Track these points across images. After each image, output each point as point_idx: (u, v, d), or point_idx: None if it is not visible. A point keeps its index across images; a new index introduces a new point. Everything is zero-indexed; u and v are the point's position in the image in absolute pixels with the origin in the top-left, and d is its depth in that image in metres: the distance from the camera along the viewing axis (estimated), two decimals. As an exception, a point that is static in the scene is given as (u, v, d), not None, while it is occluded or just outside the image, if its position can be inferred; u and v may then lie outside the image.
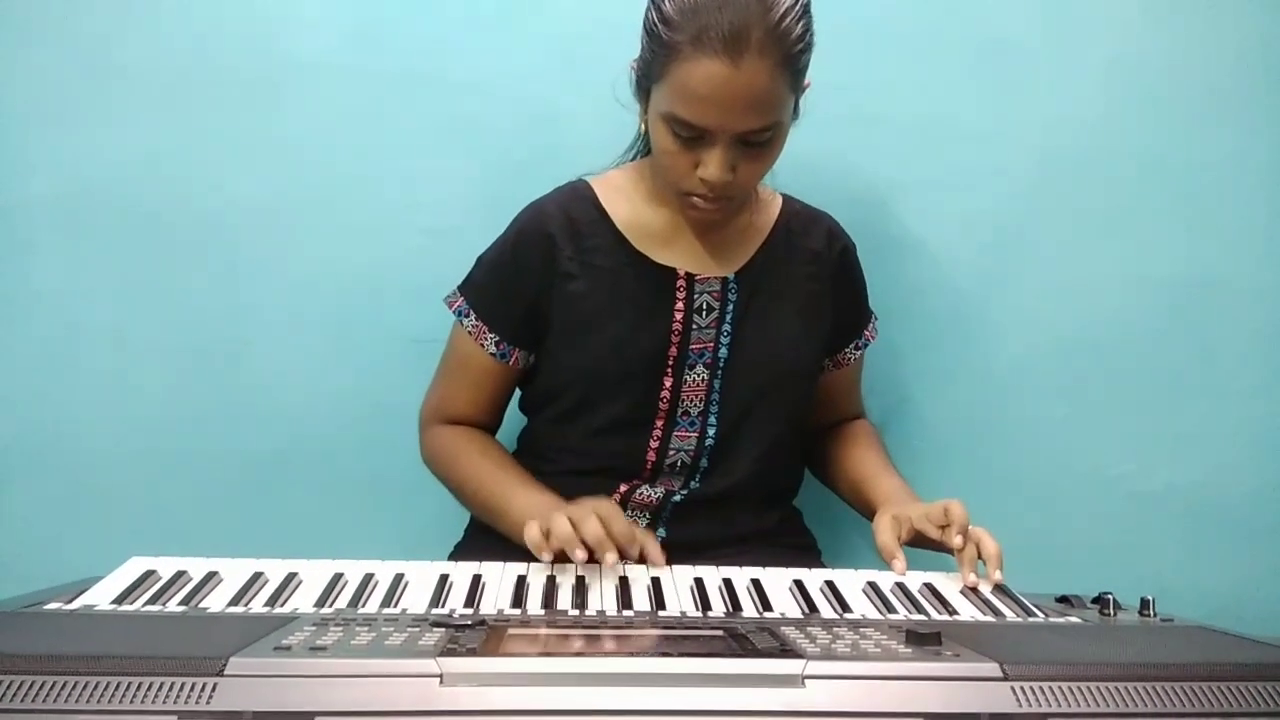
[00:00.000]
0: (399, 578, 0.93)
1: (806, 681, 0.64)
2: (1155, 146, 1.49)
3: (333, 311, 1.42)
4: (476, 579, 0.94)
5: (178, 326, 1.41)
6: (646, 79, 1.07)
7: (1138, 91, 1.48)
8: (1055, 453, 1.49)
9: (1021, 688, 0.65)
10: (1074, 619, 0.89)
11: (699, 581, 0.95)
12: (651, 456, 1.18)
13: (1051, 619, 0.89)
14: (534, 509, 1.06)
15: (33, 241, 1.39)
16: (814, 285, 1.23)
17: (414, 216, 1.42)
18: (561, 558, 0.96)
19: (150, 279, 1.41)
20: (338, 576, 0.92)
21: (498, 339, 1.19)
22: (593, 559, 0.95)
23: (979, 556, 1.01)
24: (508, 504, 1.12)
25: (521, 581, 0.93)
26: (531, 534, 0.97)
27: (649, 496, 1.18)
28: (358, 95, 1.41)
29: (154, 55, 1.39)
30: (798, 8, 1.01)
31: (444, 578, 0.93)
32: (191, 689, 0.60)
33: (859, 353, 1.31)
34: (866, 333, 1.32)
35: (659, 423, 1.17)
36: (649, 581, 0.95)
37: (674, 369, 1.17)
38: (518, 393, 1.29)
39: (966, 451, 1.48)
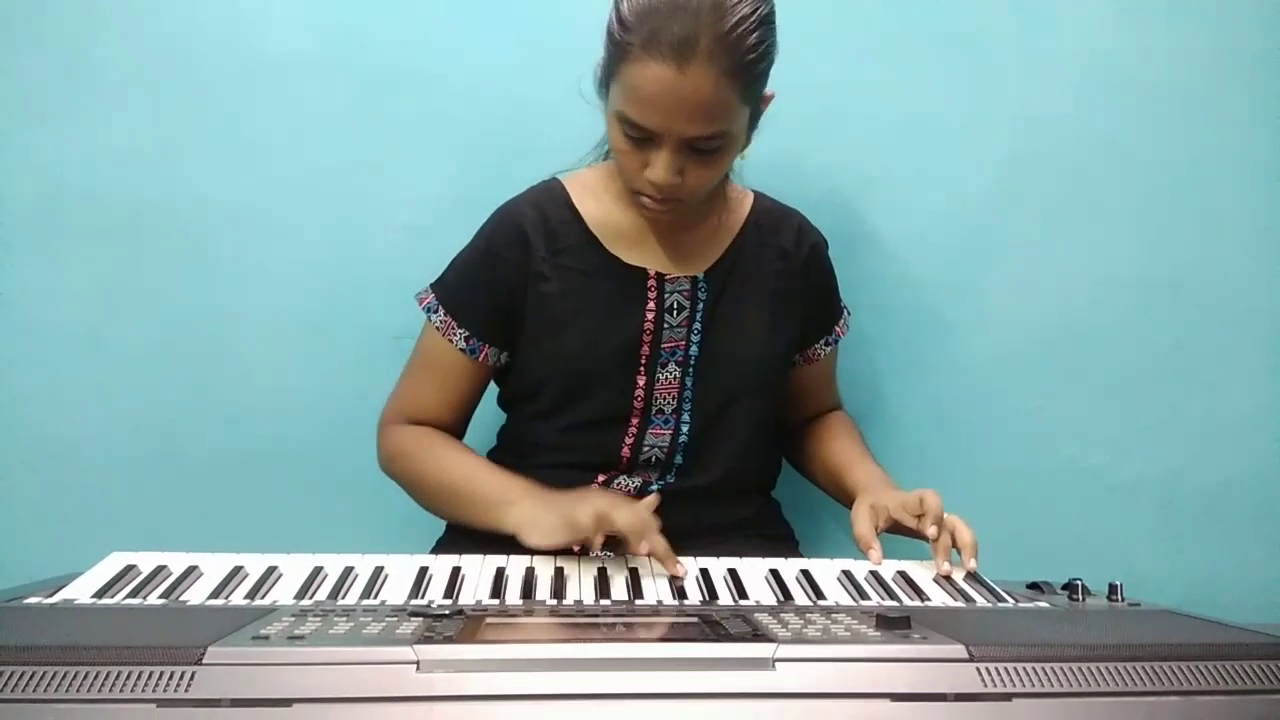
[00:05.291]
0: (379, 570, 0.94)
1: (777, 664, 0.65)
2: (1125, 144, 1.51)
3: (311, 309, 1.43)
4: (456, 571, 0.95)
5: (155, 325, 1.41)
6: (605, 77, 1.09)
7: (1108, 89, 1.50)
8: (1029, 445, 1.51)
9: (987, 668, 0.66)
10: (1043, 604, 0.91)
11: (676, 571, 0.97)
12: (626, 452, 1.19)
13: (1021, 604, 0.91)
14: (503, 489, 1.09)
15: (7, 242, 1.39)
16: (784, 282, 1.24)
17: (392, 214, 1.43)
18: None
19: (127, 278, 1.41)
20: (317, 570, 0.93)
21: (467, 334, 1.18)
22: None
23: (954, 545, 1.03)
24: (472, 485, 1.12)
25: (500, 573, 0.94)
26: (576, 517, 0.97)
27: (627, 486, 1.19)
28: (335, 94, 1.42)
29: (129, 54, 1.39)
30: (753, 18, 1.00)
31: (424, 570, 0.94)
32: (170, 678, 0.61)
33: (829, 349, 1.32)
34: (837, 329, 1.32)
35: (634, 420, 1.18)
36: (627, 572, 0.96)
37: (646, 368, 1.18)
38: (496, 389, 1.29)
39: (941, 444, 1.50)
